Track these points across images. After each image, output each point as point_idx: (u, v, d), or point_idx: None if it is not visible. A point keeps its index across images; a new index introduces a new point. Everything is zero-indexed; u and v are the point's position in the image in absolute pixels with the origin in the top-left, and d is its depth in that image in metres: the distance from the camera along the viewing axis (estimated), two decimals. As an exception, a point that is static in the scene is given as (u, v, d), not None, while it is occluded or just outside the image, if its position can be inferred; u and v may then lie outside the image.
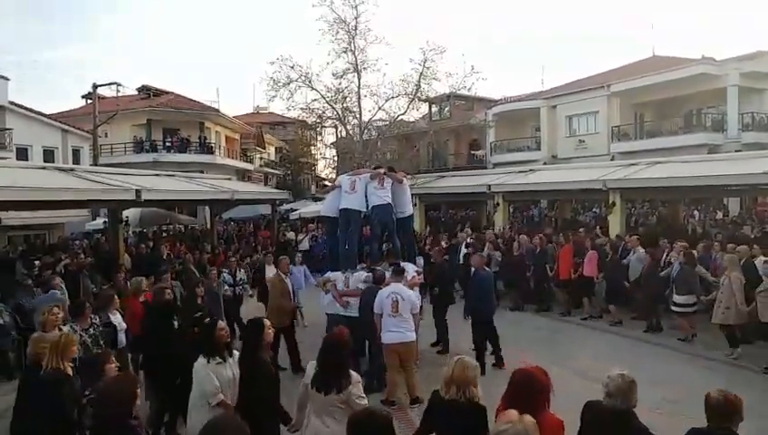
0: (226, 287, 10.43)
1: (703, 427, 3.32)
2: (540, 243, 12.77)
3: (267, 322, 4.74)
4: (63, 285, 9.88)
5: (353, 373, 4.00)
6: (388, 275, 7.95)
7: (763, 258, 9.26)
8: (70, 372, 4.39)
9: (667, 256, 10.96)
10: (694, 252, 10.31)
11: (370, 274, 8.37)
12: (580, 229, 14.96)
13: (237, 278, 10.89)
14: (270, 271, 10.99)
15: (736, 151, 19.57)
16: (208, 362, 4.46)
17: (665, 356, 9.00)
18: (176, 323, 6.39)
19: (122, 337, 6.63)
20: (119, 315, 6.80)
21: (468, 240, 14.18)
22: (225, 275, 10.59)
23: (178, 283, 9.36)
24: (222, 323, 4.80)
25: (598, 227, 16.51)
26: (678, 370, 8.24)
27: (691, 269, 9.66)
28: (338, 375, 3.91)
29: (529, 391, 3.29)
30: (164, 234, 21.91)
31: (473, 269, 9.12)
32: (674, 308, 9.72)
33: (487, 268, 9.31)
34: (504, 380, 3.63)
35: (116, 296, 7.06)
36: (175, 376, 5.42)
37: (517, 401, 3.18)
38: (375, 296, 7.20)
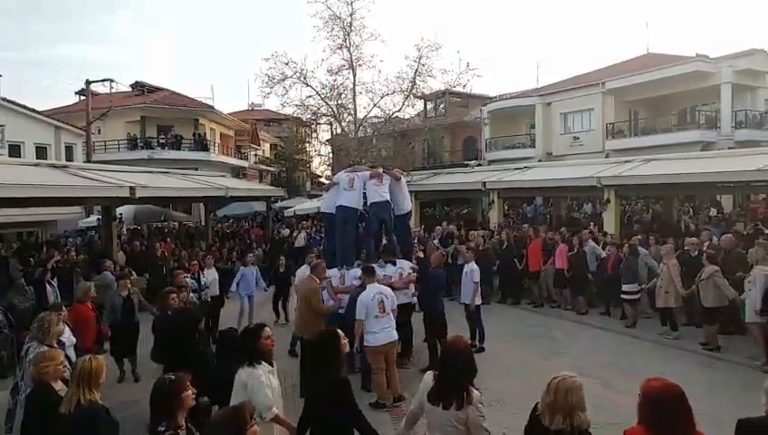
0: (192, 294, 9.21)
1: None
2: (507, 238, 13.38)
3: (341, 332, 4.25)
4: (56, 284, 9.89)
5: (475, 391, 3.53)
6: (380, 271, 7.95)
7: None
8: (100, 401, 3.72)
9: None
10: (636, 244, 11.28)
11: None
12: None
13: (202, 283, 9.91)
14: (211, 274, 10.30)
15: (729, 149, 19.64)
16: (255, 368, 3.99)
17: (652, 350, 9.06)
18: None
19: (71, 353, 5.68)
20: (67, 330, 5.86)
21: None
22: (187, 279, 9.44)
23: (137, 289, 8.55)
24: (268, 331, 4.32)
25: (592, 224, 16.54)
26: (658, 361, 8.31)
27: (635, 260, 10.65)
28: (459, 388, 3.45)
29: (682, 411, 2.80)
30: (156, 231, 21.82)
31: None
32: (622, 296, 10.69)
33: (443, 267, 9.42)
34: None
35: (63, 307, 6.28)
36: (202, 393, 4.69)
37: (671, 423, 2.76)
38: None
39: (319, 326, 7.04)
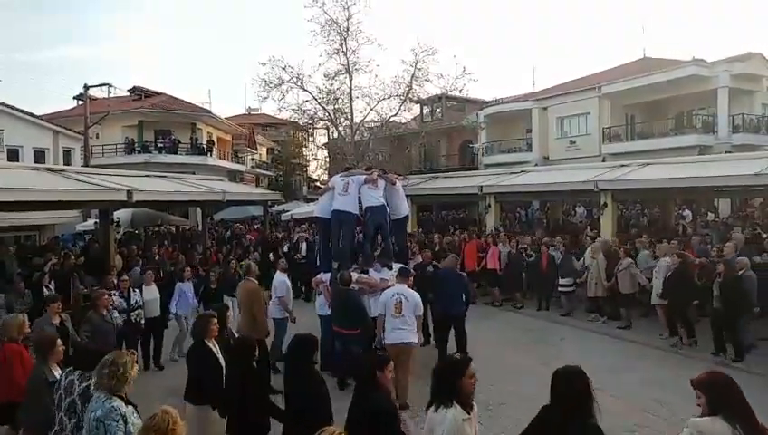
0: (116, 315, 8.07)
1: None
2: (439, 242, 14.65)
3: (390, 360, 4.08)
4: (53, 287, 9.87)
5: None
6: (376, 275, 8.11)
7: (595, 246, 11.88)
8: None
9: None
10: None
11: (362, 275, 8.36)
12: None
13: (132, 302, 8.75)
14: (149, 292, 9.20)
15: (726, 153, 19.69)
16: (445, 411, 3.36)
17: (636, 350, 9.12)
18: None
19: None
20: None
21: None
22: (115, 298, 8.44)
23: (68, 315, 7.50)
24: (474, 369, 3.51)
25: (588, 228, 16.57)
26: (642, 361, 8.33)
27: (570, 257, 12.07)
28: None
29: None
30: (153, 235, 21.77)
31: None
32: (560, 289, 12.06)
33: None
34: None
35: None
36: None
37: None
38: (340, 298, 7.46)
39: (260, 326, 7.62)
